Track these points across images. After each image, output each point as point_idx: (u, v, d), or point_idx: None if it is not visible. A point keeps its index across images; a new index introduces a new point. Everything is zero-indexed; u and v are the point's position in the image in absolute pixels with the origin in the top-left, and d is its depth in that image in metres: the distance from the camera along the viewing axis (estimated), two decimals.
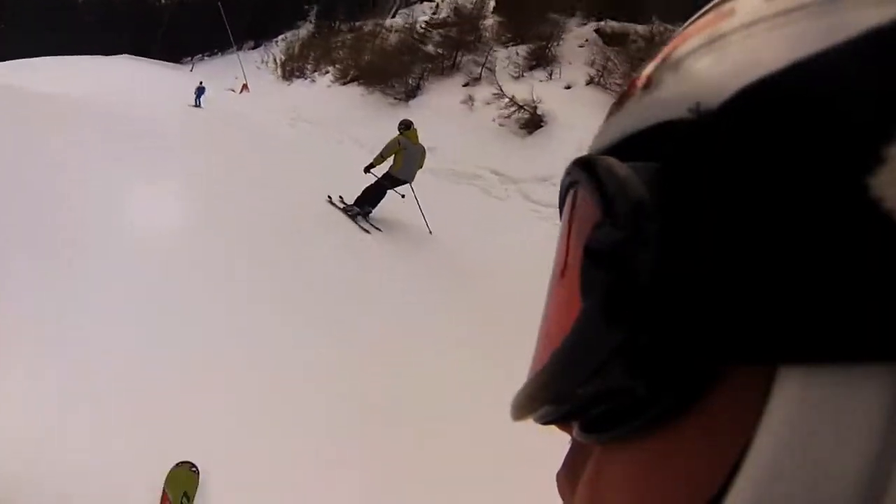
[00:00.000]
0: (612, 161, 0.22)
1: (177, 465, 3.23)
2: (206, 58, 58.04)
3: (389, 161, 8.69)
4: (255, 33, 55.73)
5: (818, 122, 0.16)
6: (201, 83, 19.88)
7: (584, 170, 0.23)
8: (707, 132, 0.19)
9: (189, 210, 7.11)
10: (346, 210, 8.61)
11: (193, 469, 3.25)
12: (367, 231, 8.39)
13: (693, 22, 0.24)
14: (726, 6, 0.22)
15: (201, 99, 19.07)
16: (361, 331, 5.36)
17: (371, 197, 8.65)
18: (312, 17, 58.44)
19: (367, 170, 8.76)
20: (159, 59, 47.73)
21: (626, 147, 0.24)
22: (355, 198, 8.70)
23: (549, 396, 0.23)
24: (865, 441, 0.14)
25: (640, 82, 0.25)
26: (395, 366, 4.87)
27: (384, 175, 8.69)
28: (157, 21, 61.52)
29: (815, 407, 0.15)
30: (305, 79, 30.93)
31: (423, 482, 3.53)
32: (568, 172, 0.26)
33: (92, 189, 6.50)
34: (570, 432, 0.27)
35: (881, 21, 0.15)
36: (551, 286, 0.30)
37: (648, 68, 0.25)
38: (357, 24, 35.28)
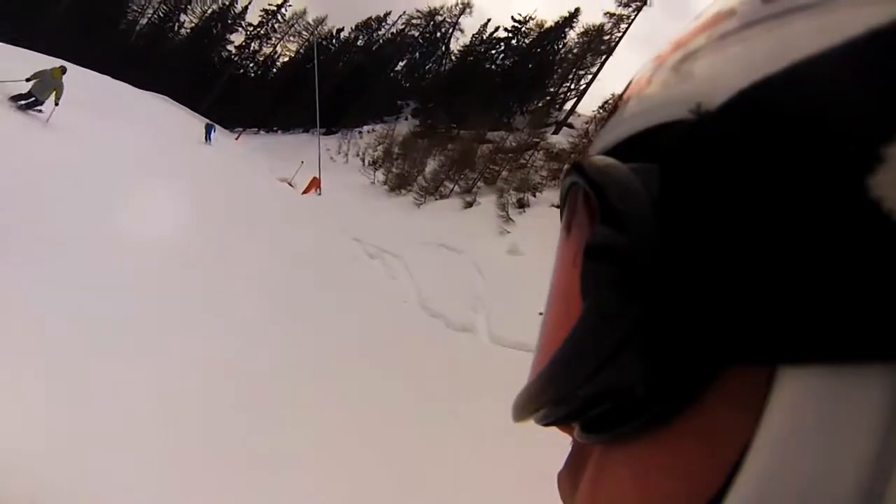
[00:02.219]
0: (613, 162, 0.22)
1: None
2: (262, 132, 47.79)
3: None
4: (330, 118, 46.08)
5: (818, 123, 0.16)
6: (210, 122, 24.02)
7: (585, 171, 0.23)
8: (707, 133, 0.19)
9: None
10: None
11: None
12: None
13: (693, 23, 0.24)
14: (726, 7, 0.22)
15: (211, 136, 22.77)
16: None
17: None
18: (408, 114, 48.91)
19: None
20: (207, 116, 42.19)
21: (627, 148, 0.24)
22: None
23: (549, 397, 0.23)
24: (865, 441, 0.14)
25: (641, 83, 0.25)
26: None
27: None
28: (213, 75, 51.72)
29: (815, 407, 0.15)
30: (432, 196, 23.96)
31: None
32: (568, 173, 0.26)
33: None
34: (570, 433, 0.27)
35: (880, 21, 0.15)
36: (552, 287, 0.30)
37: (648, 69, 0.25)
38: (484, 131, 30.42)
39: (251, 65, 61.32)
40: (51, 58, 19.61)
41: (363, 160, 35.59)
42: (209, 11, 58.85)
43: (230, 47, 59.76)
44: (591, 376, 0.20)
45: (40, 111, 12.14)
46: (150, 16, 58.20)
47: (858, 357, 0.14)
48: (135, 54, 52.91)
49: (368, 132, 43.81)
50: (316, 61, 26.24)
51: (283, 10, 58.76)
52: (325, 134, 46.63)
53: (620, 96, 0.27)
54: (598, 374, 0.20)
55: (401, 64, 56.63)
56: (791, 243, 0.16)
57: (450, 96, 47.30)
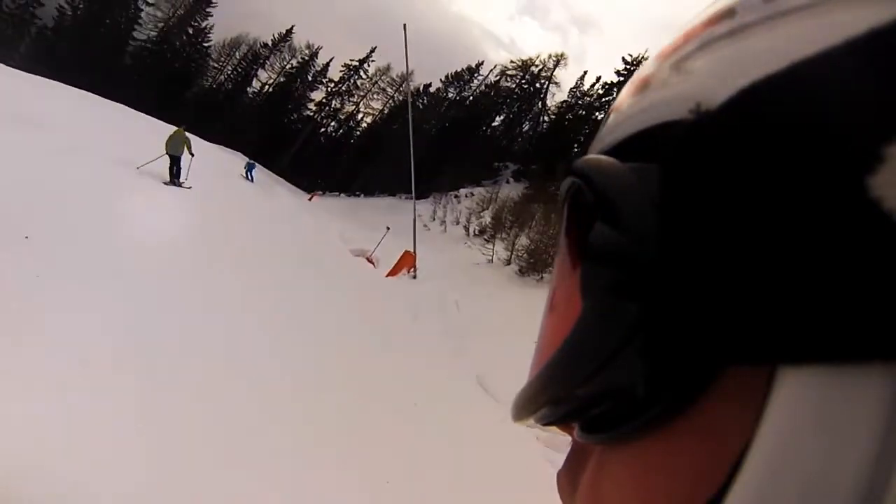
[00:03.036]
0: (612, 162, 0.22)
1: None
2: (342, 195, 42.43)
3: None
4: (420, 180, 40.10)
5: (818, 123, 0.16)
6: (250, 160, 24.33)
7: (585, 171, 0.23)
8: (707, 132, 0.19)
9: None
10: None
11: None
12: None
13: (693, 22, 0.24)
14: (726, 6, 0.22)
15: (252, 173, 23.20)
16: None
17: None
18: (509, 176, 42.40)
19: None
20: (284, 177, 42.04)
21: (626, 148, 0.24)
22: None
23: (549, 397, 0.24)
24: (865, 441, 0.14)
25: (640, 83, 0.25)
26: None
27: None
28: (291, 133, 47.54)
29: (815, 407, 0.15)
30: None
31: None
32: (568, 174, 0.26)
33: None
34: (570, 433, 0.27)
35: (880, 21, 0.15)
36: (552, 287, 0.30)
37: (648, 69, 0.25)
38: None
39: (332, 123, 57.11)
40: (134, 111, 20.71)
41: (467, 229, 28.77)
42: (288, 66, 55.26)
43: (310, 105, 55.88)
44: (590, 376, 0.21)
45: (182, 184, 13.09)
46: (228, 73, 55.08)
47: (858, 357, 0.14)
48: (211, 109, 49.57)
49: (466, 196, 37.54)
50: (410, 109, 19.30)
51: (365, 65, 54.49)
52: (417, 197, 40.81)
53: (619, 96, 0.27)
54: (598, 373, 0.20)
55: (498, 119, 50.63)
56: (791, 243, 0.16)
57: (554, 155, 40.70)
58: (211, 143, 31.35)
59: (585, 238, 0.23)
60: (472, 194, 37.50)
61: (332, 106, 55.81)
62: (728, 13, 0.21)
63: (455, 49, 63.29)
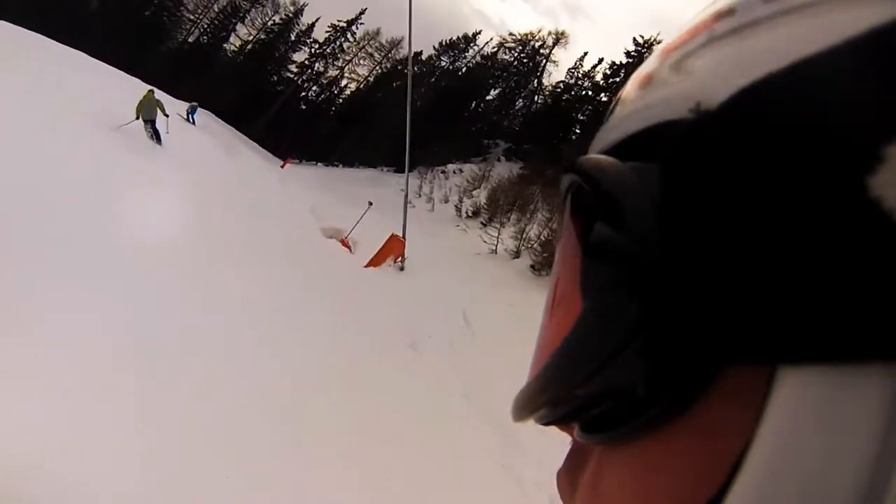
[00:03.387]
0: (613, 161, 0.22)
1: None
2: (319, 165, 39.60)
3: None
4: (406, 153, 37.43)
5: (818, 122, 0.16)
6: (193, 103, 23.77)
7: (585, 171, 0.23)
8: (707, 132, 0.19)
9: None
10: None
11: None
12: None
13: (693, 21, 0.24)
14: (727, 6, 0.22)
15: (193, 116, 22.88)
16: None
17: None
18: (500, 154, 39.83)
19: None
20: (260, 143, 39.76)
21: (627, 147, 0.24)
22: None
23: (549, 397, 0.24)
24: (865, 441, 0.14)
25: (640, 82, 0.25)
26: None
27: None
28: (269, 95, 44.67)
29: (815, 407, 0.15)
30: None
31: None
32: (568, 173, 0.26)
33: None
34: (570, 433, 0.27)
35: (880, 21, 0.15)
36: (552, 287, 0.30)
37: (648, 67, 0.25)
38: None
39: (313, 87, 53.56)
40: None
41: (458, 208, 26.09)
42: (269, 23, 51.45)
43: (291, 67, 52.23)
44: (591, 376, 0.21)
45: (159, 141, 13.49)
46: (205, 27, 51.13)
47: (858, 357, 0.14)
48: (184, 66, 45.88)
49: (455, 172, 34.87)
50: (411, 75, 16.31)
51: (353, 27, 51.00)
52: (397, 171, 38.10)
53: (620, 95, 0.27)
54: (598, 373, 0.20)
55: (493, 93, 47.80)
56: (791, 243, 0.16)
57: (549, 135, 38.20)
58: (182, 102, 28.56)
59: (585, 237, 0.23)
60: (461, 171, 34.89)
61: (315, 69, 52.23)
62: (728, 12, 0.21)
63: (444, 25, 60.18)
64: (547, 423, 0.26)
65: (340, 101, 53.65)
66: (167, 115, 14.06)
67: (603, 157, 0.23)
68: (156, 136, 13.44)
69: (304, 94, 53.04)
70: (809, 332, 0.15)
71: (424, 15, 50.45)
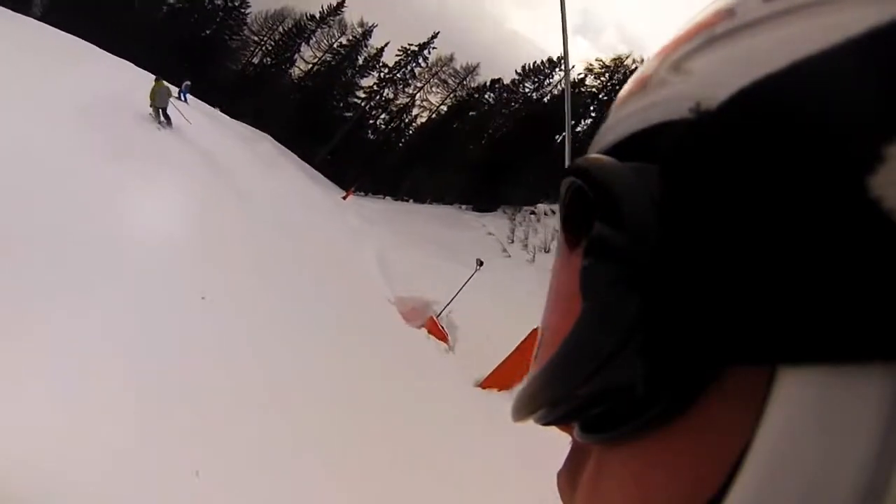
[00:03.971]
0: (612, 161, 0.22)
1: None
2: (387, 198, 35.35)
3: None
4: (486, 190, 32.77)
5: (818, 122, 0.16)
6: (187, 82, 23.49)
7: (585, 171, 0.23)
8: (707, 132, 0.19)
9: None
10: None
11: None
12: None
13: (693, 21, 0.24)
14: (726, 6, 0.22)
15: (186, 95, 22.61)
16: None
17: None
18: None
19: None
20: (321, 171, 37.48)
21: (627, 147, 0.24)
22: None
23: (549, 397, 0.24)
24: (864, 441, 0.14)
25: (640, 82, 0.25)
26: None
27: None
28: (334, 121, 45.39)
29: (814, 407, 0.15)
30: None
31: None
32: (568, 173, 0.26)
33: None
34: (570, 433, 0.27)
35: (880, 21, 0.15)
36: (552, 287, 0.30)
37: (647, 68, 0.25)
38: None
39: (382, 115, 49.60)
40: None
41: None
42: (336, 44, 48.01)
43: (358, 92, 48.54)
44: (590, 376, 0.21)
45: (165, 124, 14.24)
46: (269, 48, 48.08)
47: (858, 357, 0.14)
48: (245, 89, 42.81)
49: (547, 214, 29.70)
50: (567, 76, 11.17)
51: (425, 51, 47.04)
52: (477, 210, 33.27)
53: (621, 94, 0.27)
54: (597, 373, 0.20)
55: (584, 122, 42.65)
56: (791, 243, 0.16)
57: None
58: (234, 120, 26.51)
59: (585, 238, 0.23)
60: (553, 211, 29.78)
61: (384, 95, 48.49)
62: (728, 13, 0.21)
63: (511, 62, 55.93)
64: (547, 423, 0.26)
65: (410, 130, 49.51)
66: (181, 98, 15.96)
67: (602, 156, 0.23)
68: (167, 120, 14.08)
69: (371, 121, 49.15)
70: (809, 332, 0.15)
71: (490, 55, 46.39)
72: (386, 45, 47.51)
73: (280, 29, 47.91)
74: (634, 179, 0.21)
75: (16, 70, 9.51)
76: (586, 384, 0.21)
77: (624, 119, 0.25)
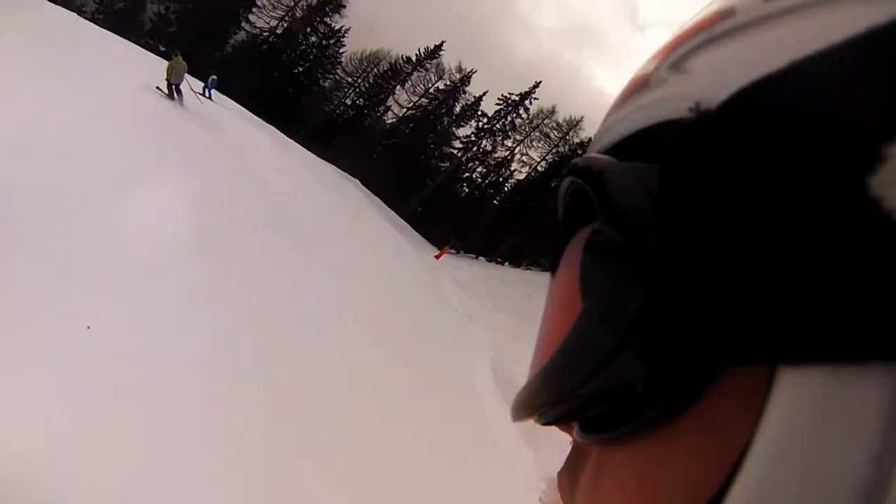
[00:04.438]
0: (612, 161, 0.22)
1: None
2: (480, 259, 30.49)
3: None
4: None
5: (818, 122, 0.16)
6: (214, 76, 21.20)
7: (584, 171, 0.23)
8: (706, 132, 0.19)
9: None
10: None
11: None
12: None
13: (693, 21, 0.24)
14: (726, 6, 0.22)
15: (211, 91, 20.26)
16: None
17: None
18: None
19: None
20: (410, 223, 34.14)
21: (626, 147, 0.24)
22: None
23: (548, 397, 0.24)
24: (865, 441, 0.14)
25: (639, 81, 0.25)
26: None
27: None
28: (426, 172, 43.17)
29: (815, 407, 0.15)
30: None
31: None
32: (567, 173, 0.26)
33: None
34: (570, 433, 0.27)
35: (880, 20, 0.15)
36: (551, 287, 0.30)
37: (648, 67, 0.25)
38: None
39: (479, 168, 45.56)
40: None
41: None
42: (432, 88, 44.77)
43: (454, 142, 44.81)
44: (590, 375, 0.21)
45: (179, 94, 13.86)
46: (363, 89, 45.22)
47: (858, 357, 0.14)
48: (337, 130, 39.88)
49: None
50: None
51: (526, 102, 43.01)
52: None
53: (620, 93, 0.27)
54: (597, 373, 0.20)
55: None
56: (791, 243, 0.16)
57: None
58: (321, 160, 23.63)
59: (585, 237, 0.23)
60: None
61: (482, 147, 44.55)
62: (728, 12, 0.21)
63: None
64: (546, 423, 0.26)
65: (508, 185, 45.17)
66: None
67: (602, 156, 0.23)
68: (179, 97, 13.70)
69: (466, 173, 45.20)
70: (809, 331, 0.15)
71: (584, 115, 42.06)
72: (485, 93, 43.94)
73: (375, 71, 45.13)
74: (634, 179, 0.21)
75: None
76: (586, 384, 0.21)
77: (623, 118, 0.25)
